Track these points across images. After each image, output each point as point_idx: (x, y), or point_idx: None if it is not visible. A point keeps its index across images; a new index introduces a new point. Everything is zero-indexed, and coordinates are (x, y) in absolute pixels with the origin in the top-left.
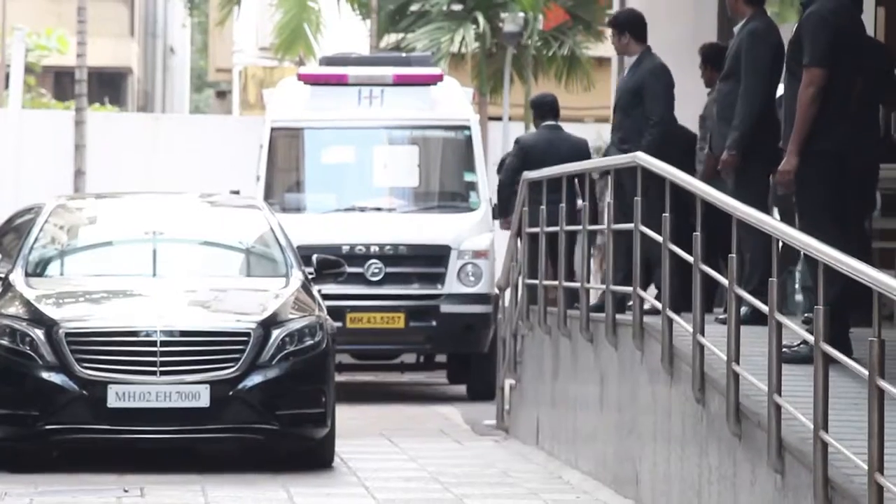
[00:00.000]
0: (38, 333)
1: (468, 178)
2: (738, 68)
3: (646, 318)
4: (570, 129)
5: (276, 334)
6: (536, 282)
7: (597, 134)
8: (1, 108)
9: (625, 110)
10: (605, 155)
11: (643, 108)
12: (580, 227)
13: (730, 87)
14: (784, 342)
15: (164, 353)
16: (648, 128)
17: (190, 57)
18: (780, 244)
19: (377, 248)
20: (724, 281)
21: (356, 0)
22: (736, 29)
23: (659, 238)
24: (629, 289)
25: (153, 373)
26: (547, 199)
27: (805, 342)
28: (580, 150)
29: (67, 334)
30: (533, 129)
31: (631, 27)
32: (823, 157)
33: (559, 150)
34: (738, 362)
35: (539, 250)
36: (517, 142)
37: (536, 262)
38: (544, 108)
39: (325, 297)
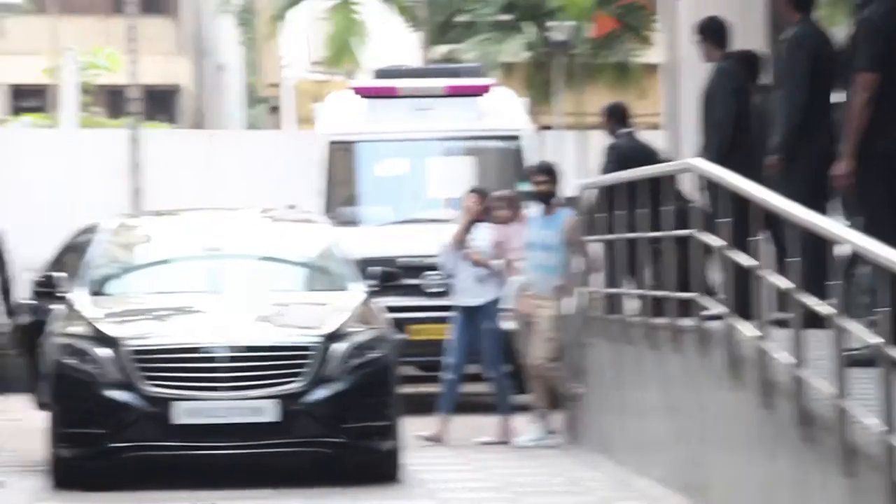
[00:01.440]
0: (103, 352)
1: (521, 187)
2: (778, 78)
3: (709, 324)
4: None
5: (340, 348)
6: (612, 290)
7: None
8: (55, 128)
9: (701, 116)
10: None
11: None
12: (659, 233)
13: (779, 94)
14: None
15: (228, 369)
16: (712, 129)
17: (242, 73)
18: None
19: (434, 260)
20: (785, 285)
21: (406, 12)
22: (782, 36)
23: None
24: (692, 294)
25: (218, 389)
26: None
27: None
28: (659, 157)
29: (132, 352)
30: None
31: (710, 33)
32: (879, 158)
33: (648, 155)
34: (802, 366)
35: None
36: (615, 148)
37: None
38: (621, 115)
39: (387, 309)
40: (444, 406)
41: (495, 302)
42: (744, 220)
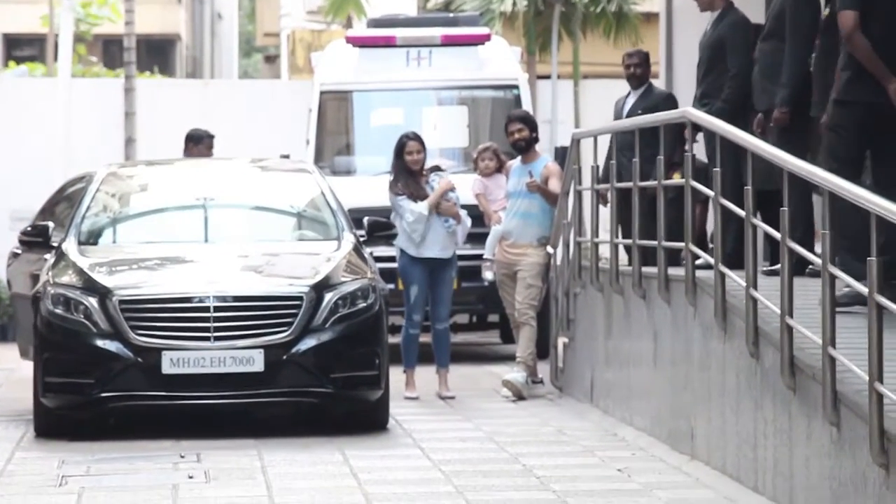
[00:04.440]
0: (92, 301)
1: None
2: (780, 28)
3: (698, 273)
4: (620, 86)
5: (329, 297)
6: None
7: None
8: (51, 77)
9: (706, 66)
10: None
11: (724, 62)
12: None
13: (772, 46)
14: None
15: (217, 319)
16: (728, 80)
17: (238, 22)
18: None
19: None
20: (776, 234)
21: None
22: None
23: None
24: (681, 244)
25: (207, 338)
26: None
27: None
28: None
29: (121, 302)
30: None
31: None
32: (856, 106)
33: None
34: (791, 315)
35: (591, 207)
36: (672, 97)
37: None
38: None
39: (377, 259)
40: (413, 361)
41: (455, 253)
42: (738, 170)
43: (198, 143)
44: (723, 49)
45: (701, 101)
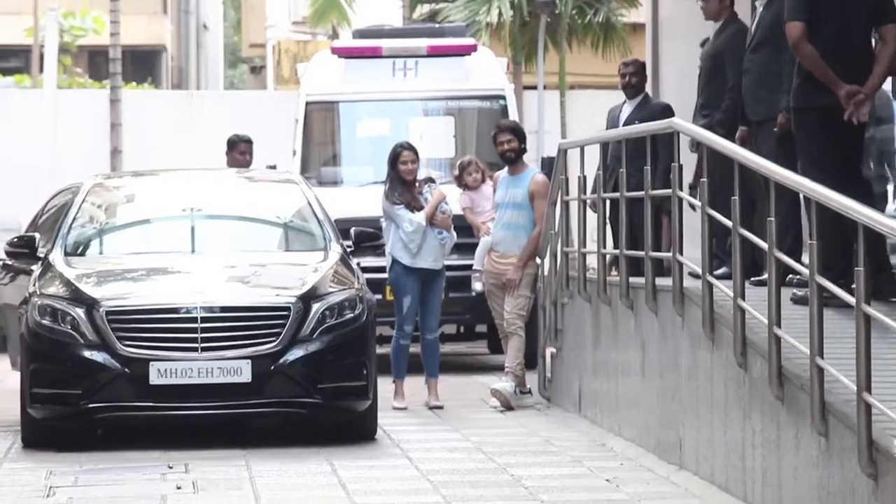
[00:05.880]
0: (79, 312)
1: None
2: (773, 37)
3: (686, 284)
4: (606, 96)
5: (317, 308)
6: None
7: None
8: (36, 88)
9: (706, 77)
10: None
11: (724, 74)
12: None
13: (766, 56)
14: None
15: (204, 330)
16: (727, 91)
17: (223, 33)
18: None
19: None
20: (763, 245)
21: None
22: (760, 2)
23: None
24: (668, 254)
25: (194, 349)
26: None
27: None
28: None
29: (108, 312)
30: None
31: None
32: (818, 111)
33: None
34: (779, 325)
35: (578, 217)
36: (670, 108)
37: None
38: None
39: (364, 269)
40: (403, 371)
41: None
42: (728, 180)
43: (231, 149)
44: (722, 60)
45: (701, 112)
